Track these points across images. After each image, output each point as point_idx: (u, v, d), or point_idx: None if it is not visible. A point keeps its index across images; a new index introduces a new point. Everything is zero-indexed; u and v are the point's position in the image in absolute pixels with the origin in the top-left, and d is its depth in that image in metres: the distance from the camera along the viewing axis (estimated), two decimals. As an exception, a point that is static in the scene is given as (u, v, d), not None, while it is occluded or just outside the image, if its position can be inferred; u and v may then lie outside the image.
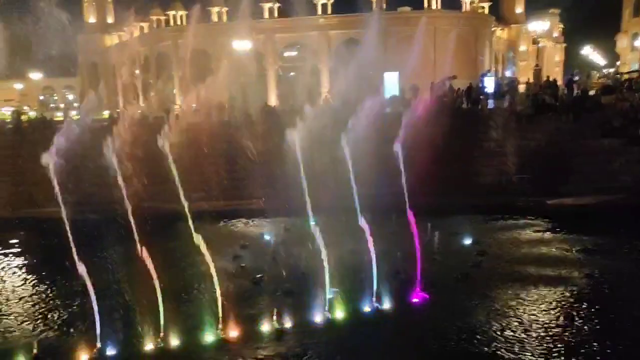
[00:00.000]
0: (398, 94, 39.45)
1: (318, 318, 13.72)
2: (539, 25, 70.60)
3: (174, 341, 12.53)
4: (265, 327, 13.23)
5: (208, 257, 12.91)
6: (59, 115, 52.05)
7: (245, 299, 14.52)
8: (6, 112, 48.98)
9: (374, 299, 14.47)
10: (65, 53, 68.88)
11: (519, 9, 74.09)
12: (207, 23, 57.61)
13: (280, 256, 18.23)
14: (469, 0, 58.43)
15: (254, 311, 14.01)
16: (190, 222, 12.56)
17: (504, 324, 13.15)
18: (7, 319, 14.69)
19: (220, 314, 13.04)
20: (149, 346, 12.37)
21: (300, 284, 15.17)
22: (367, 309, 14.32)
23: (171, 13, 62.87)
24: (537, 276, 16.53)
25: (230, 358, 12.15)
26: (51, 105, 69.43)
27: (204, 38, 54.81)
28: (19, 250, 20.37)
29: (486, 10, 63.03)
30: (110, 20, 73.51)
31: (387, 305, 14.43)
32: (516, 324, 13.18)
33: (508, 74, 68.41)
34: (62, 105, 67.91)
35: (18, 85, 67.92)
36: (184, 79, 55.70)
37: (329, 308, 13.97)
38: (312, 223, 15.33)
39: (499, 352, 11.76)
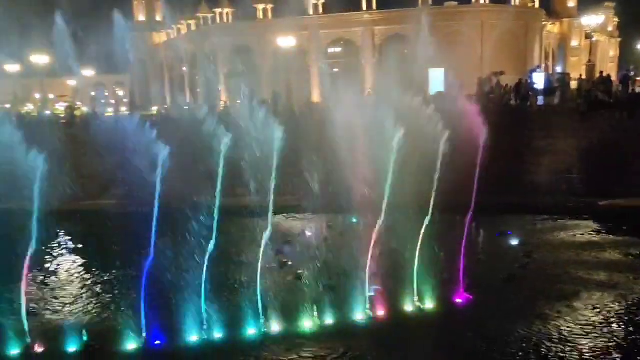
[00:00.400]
0: (443, 90, 38.79)
1: (359, 315, 13.64)
2: (593, 20, 67.62)
3: (217, 333, 12.73)
4: (307, 322, 13.25)
5: (253, 251, 13.04)
6: (109, 111, 53.68)
7: (288, 293, 14.52)
8: (60, 107, 50.92)
9: (415, 297, 14.26)
10: (115, 50, 71.07)
11: (572, 3, 71.53)
12: (252, 20, 58.17)
13: (322, 252, 18.20)
14: (518, -6, 56.80)
15: (296, 306, 13.95)
16: (236, 216, 12.69)
17: (549, 329, 12.69)
18: (59, 306, 15.23)
19: (263, 308, 13.19)
20: (192, 336, 12.60)
21: (342, 280, 15.09)
22: (408, 307, 14.12)
23: (217, 11, 63.82)
24: (586, 279, 15.91)
25: (271, 352, 12.18)
26: (102, 100, 71.57)
27: (249, 35, 55.42)
28: (74, 239, 21.19)
29: (537, 4, 61.13)
30: (158, 18, 75.34)
31: (429, 304, 14.20)
32: (562, 329, 12.67)
33: (558, 69, 66.09)
34: (112, 101, 69.91)
35: (71, 82, 70.34)
36: (229, 75, 56.46)
37: (370, 305, 13.88)
38: (353, 220, 15.24)
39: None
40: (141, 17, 75.32)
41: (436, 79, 43.47)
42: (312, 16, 57.25)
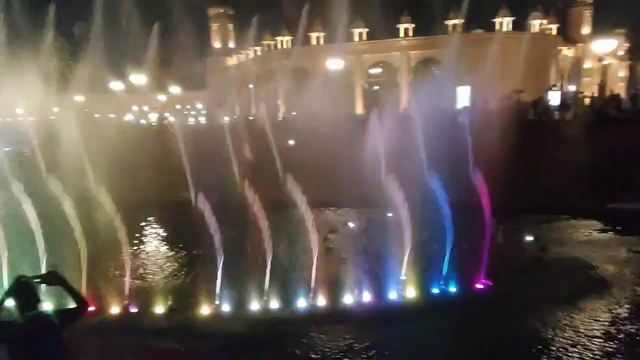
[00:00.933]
0: (469, 105, 37.89)
1: (392, 295, 13.52)
2: (605, 46, 63.93)
3: (274, 304, 12.90)
4: (348, 298, 13.25)
5: (304, 238, 13.17)
6: (191, 121, 55.30)
7: (333, 274, 14.58)
8: (152, 118, 52.87)
9: (442, 282, 14.01)
10: (196, 71, 73.23)
11: (586, 30, 68.16)
12: (307, 46, 58.60)
13: (362, 241, 18.13)
14: (538, 23, 54.61)
15: (339, 285, 14.01)
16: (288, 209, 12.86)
17: (560, 314, 12.23)
18: (149, 276, 15.74)
19: (312, 285, 13.28)
20: (254, 306, 12.83)
21: (379, 265, 14.99)
22: (435, 290, 13.89)
23: (279, 39, 64.68)
24: (595, 272, 15.20)
25: (318, 322, 12.26)
26: (185, 112, 73.74)
27: (304, 58, 55.86)
28: (161, 225, 21.88)
29: (554, 31, 58.63)
30: (231, 45, 76.98)
31: (453, 288, 13.91)
32: (573, 315, 12.21)
33: (572, 88, 63.13)
34: (192, 113, 71.89)
35: (161, 97, 73.00)
36: (287, 92, 57.08)
37: (403, 287, 13.73)
38: (389, 214, 15.12)
39: (551, 338, 11.02)
40: (217, 45, 77.17)
41: (463, 95, 42.47)
42: (357, 42, 57.14)
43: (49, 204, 12.71)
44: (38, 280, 4.99)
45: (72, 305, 5.10)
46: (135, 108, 61.22)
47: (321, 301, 13.11)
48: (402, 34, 55.36)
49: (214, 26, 77.34)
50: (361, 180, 14.60)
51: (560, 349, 10.69)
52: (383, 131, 14.70)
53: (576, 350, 10.59)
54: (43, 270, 11.20)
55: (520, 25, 54.42)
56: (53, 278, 5.05)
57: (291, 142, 13.86)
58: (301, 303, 13.01)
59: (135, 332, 11.73)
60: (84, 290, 11.35)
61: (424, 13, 53.06)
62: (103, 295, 12.63)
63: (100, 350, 9.80)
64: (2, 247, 13.45)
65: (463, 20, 53.27)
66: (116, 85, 59.61)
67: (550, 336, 11.19)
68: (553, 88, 41.90)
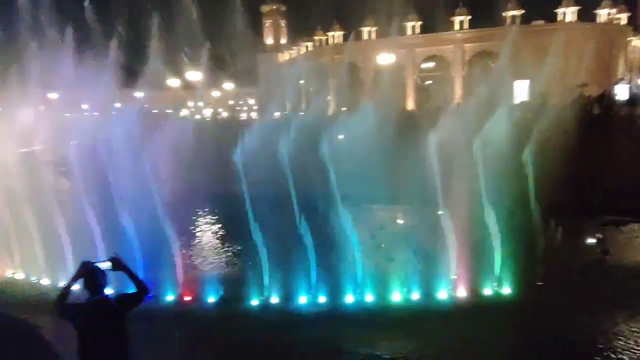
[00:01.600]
0: (527, 100, 36.24)
1: (442, 295, 13.22)
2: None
3: (323, 297, 12.96)
4: (397, 295, 13.10)
5: (354, 234, 13.17)
6: (242, 116, 56.61)
7: (382, 271, 14.44)
8: (206, 113, 54.66)
9: (495, 282, 13.53)
10: (248, 67, 74.76)
11: (660, 18, 63.04)
12: (358, 41, 58.18)
13: (412, 238, 17.83)
14: (606, 12, 51.18)
15: (388, 282, 13.86)
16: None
17: (618, 318, 11.53)
18: (201, 268, 16.25)
19: (361, 281, 13.25)
20: (302, 298, 12.96)
21: (429, 263, 14.70)
22: (487, 291, 13.43)
23: (330, 34, 64.64)
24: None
25: (365, 318, 12.20)
26: (237, 108, 75.51)
27: (355, 53, 55.56)
28: (213, 217, 22.67)
29: (623, 21, 54.74)
30: (283, 41, 77.87)
31: (506, 289, 13.39)
32: (631, 320, 11.43)
33: (643, 81, 58.80)
34: (245, 108, 73.55)
35: (215, 93, 75.06)
36: (338, 87, 57.05)
37: (453, 287, 13.40)
38: (440, 212, 14.77)
39: (606, 343, 10.43)
40: (269, 41, 78.32)
41: (521, 90, 40.62)
42: (409, 36, 56.03)
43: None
44: (102, 265, 5.28)
45: (132, 290, 5.38)
46: (190, 104, 63.37)
47: (369, 298, 13.04)
48: (457, 26, 53.72)
49: (267, 23, 78.56)
50: (412, 177, 14.33)
51: (615, 355, 10.06)
52: (434, 127, 14.32)
53: (632, 355, 9.95)
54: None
55: (586, 15, 51.24)
56: (116, 264, 5.33)
57: (340, 136, 13.83)
58: (349, 299, 13.01)
59: (187, 321, 12.17)
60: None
61: (481, 5, 51.28)
62: (159, 282, 13.20)
63: (152, 336, 10.21)
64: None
65: (522, 12, 50.90)
66: (173, 82, 61.99)
67: (605, 341, 10.54)
68: (621, 81, 39.27)
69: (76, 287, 5.28)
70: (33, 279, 14.57)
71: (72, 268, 13.03)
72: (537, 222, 13.87)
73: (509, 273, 13.56)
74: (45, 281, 14.34)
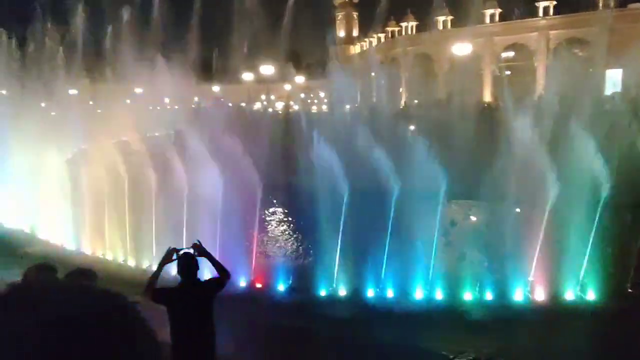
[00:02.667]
0: (620, 91, 33.31)
1: (518, 296, 12.65)
2: None
3: (390, 292, 12.89)
4: (468, 294, 12.74)
5: (424, 230, 12.99)
6: (314, 109, 57.44)
7: (452, 268, 14.11)
8: (278, 107, 56.07)
9: (578, 287, 12.71)
10: (321, 61, 75.50)
11: None
12: (432, 31, 56.57)
13: (485, 236, 17.17)
14: None
15: (457, 279, 13.50)
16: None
17: None
18: (272, 257, 16.75)
19: (431, 277, 13.06)
20: (370, 292, 12.98)
21: (504, 263, 14.10)
22: (569, 296, 12.65)
23: (404, 25, 63.48)
24: None
25: (436, 314, 12.03)
26: (308, 101, 76.55)
27: (429, 44, 54.17)
28: (282, 207, 23.27)
29: None
30: (355, 33, 77.69)
31: (590, 295, 12.53)
32: None
33: None
34: (315, 101, 74.42)
35: (287, 86, 76.69)
36: (410, 79, 56.03)
37: (530, 289, 12.77)
38: (517, 210, 14.14)
39: None
40: (341, 33, 78.50)
41: (613, 80, 37.41)
42: (488, 25, 53.51)
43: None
44: (188, 252, 5.67)
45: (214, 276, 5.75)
46: (263, 97, 65.29)
47: (439, 295, 12.81)
48: (541, 12, 50.46)
49: (339, 15, 78.73)
50: (488, 172, 13.79)
51: None
52: (515, 121, 13.66)
53: None
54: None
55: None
56: (198, 250, 5.71)
57: (412, 127, 13.64)
58: (418, 294, 12.87)
59: (258, 307, 12.70)
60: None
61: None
62: (233, 269, 13.83)
63: (229, 320, 10.76)
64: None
65: (618, -6, 46.72)
66: (247, 75, 64.20)
67: None
68: None
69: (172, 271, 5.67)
70: (121, 259, 15.87)
71: (155, 253, 14.08)
72: (631, 225, 12.79)
73: (594, 278, 12.68)
74: (131, 262, 15.58)
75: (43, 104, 24.89)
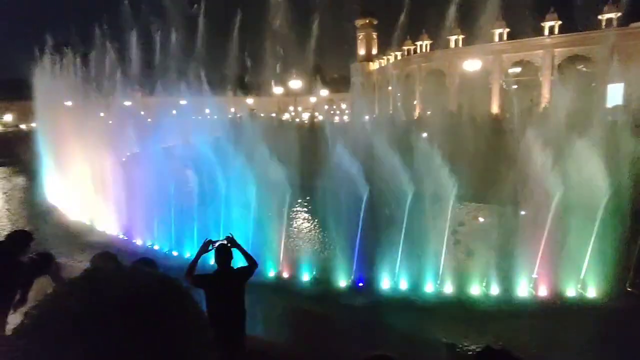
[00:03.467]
0: (622, 104, 32.11)
1: (522, 292, 12.37)
2: None
3: (404, 284, 12.81)
4: (475, 289, 12.52)
5: (436, 229, 12.86)
6: (336, 119, 57.43)
7: (461, 265, 13.88)
8: (304, 117, 56.37)
9: (579, 285, 12.33)
10: (343, 76, 75.57)
11: None
12: (445, 49, 55.88)
13: (492, 235, 16.83)
14: None
15: (465, 276, 13.25)
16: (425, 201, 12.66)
17: None
18: (298, 250, 16.63)
19: (440, 272, 12.91)
20: (385, 284, 12.92)
21: (509, 261, 13.79)
22: (571, 293, 12.29)
23: (419, 43, 62.93)
24: None
25: (445, 307, 11.85)
26: (331, 112, 76.69)
27: (442, 60, 53.54)
28: (308, 206, 23.23)
29: None
30: (374, 51, 77.41)
31: (591, 293, 12.14)
32: None
33: None
34: (337, 112, 74.44)
35: (312, 99, 76.98)
36: (424, 93, 55.51)
37: (534, 285, 12.47)
38: (522, 212, 13.81)
39: None
40: (362, 51, 78.31)
41: (614, 94, 36.14)
42: (497, 43, 52.50)
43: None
44: (223, 243, 5.79)
45: (244, 264, 5.84)
46: (291, 108, 65.69)
47: (448, 289, 12.64)
48: (547, 32, 49.22)
49: (360, 35, 78.56)
50: (496, 177, 13.55)
51: None
52: (520, 130, 13.37)
53: None
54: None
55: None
56: (230, 242, 5.81)
57: (424, 134, 13.51)
58: (428, 287, 12.73)
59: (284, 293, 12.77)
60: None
61: (571, 10, 46.44)
62: (262, 260, 13.96)
63: (258, 306, 10.87)
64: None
65: (619, 14, 45.08)
66: (277, 89, 64.76)
67: None
68: None
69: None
70: (165, 250, 16.22)
71: (196, 244, 14.34)
72: (631, 227, 12.33)
73: (595, 276, 12.29)
74: (175, 253, 15.91)
75: (102, 114, 25.71)
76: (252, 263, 5.77)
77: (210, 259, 5.93)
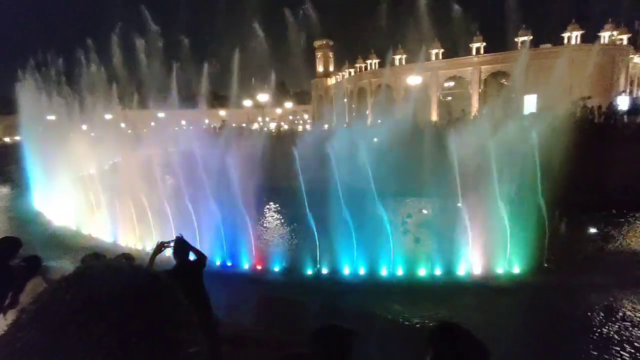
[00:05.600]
0: (535, 112, 34.14)
1: (461, 272, 12.87)
2: (680, 51, 52.88)
3: (362, 270, 12.98)
4: (422, 271, 12.90)
5: (387, 221, 13.12)
6: (299, 128, 57.39)
7: (410, 251, 14.21)
8: (271, 126, 55.99)
9: (506, 263, 12.99)
10: (304, 90, 75.54)
11: (659, 38, 57.05)
12: (391, 66, 57.21)
13: (435, 224, 17.35)
14: (608, 34, 47.19)
15: (414, 260, 13.61)
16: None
17: (612, 300, 10.65)
18: (270, 244, 16.59)
19: (393, 258, 13.15)
20: (345, 270, 13.05)
21: (450, 246, 14.25)
22: (499, 270, 12.92)
23: (369, 61, 64.10)
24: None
25: (397, 289, 12.05)
26: (295, 121, 76.46)
27: (389, 76, 54.76)
28: (277, 205, 23.08)
29: (625, 41, 50.19)
30: (331, 68, 77.94)
31: (516, 270, 12.81)
32: (623, 301, 10.56)
33: (643, 93, 53.46)
34: (301, 122, 74.40)
35: (278, 110, 76.47)
36: (375, 104, 56.55)
37: (470, 265, 13.00)
38: (459, 204, 14.32)
39: (601, 321, 9.67)
40: (320, 68, 78.64)
41: (530, 103, 38.37)
42: (434, 61, 54.37)
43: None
44: (181, 238, 5.67)
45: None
46: (259, 119, 65.03)
47: (400, 272, 12.93)
48: (474, 52, 51.55)
49: (318, 54, 78.88)
50: (435, 174, 14.00)
51: (612, 326, 9.40)
52: (454, 135, 13.93)
53: (621, 332, 9.25)
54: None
55: (591, 37, 47.46)
56: (182, 241, 5.68)
57: (375, 139, 13.76)
58: (383, 271, 12.97)
59: (258, 284, 12.62)
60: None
61: (494, 32, 48.90)
62: (238, 255, 13.75)
63: (235, 296, 10.67)
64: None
65: (531, 37, 47.99)
66: (247, 102, 63.89)
67: (601, 319, 9.83)
68: (622, 93, 36.05)
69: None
70: (148, 249, 15.57)
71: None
72: (545, 214, 13.11)
73: (518, 256, 12.98)
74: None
75: (84, 127, 24.38)
76: (202, 256, 5.75)
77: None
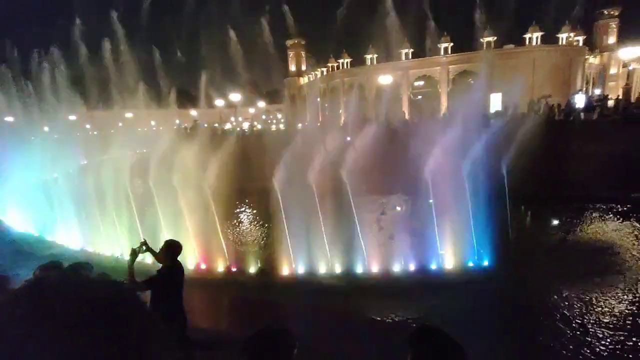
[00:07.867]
0: (501, 110, 35.42)
1: (433, 266, 13.19)
2: (630, 53, 56.44)
3: (337, 268, 13.04)
4: (396, 267, 13.09)
5: (362, 219, 13.21)
6: (273, 128, 56.96)
7: (384, 247, 14.38)
8: (245, 126, 55.25)
9: (475, 257, 13.38)
10: (277, 89, 75.04)
11: (611, 40, 60.69)
12: (363, 66, 57.79)
13: (407, 221, 17.64)
14: (565, 36, 49.66)
15: (388, 256, 13.79)
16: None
17: (576, 290, 11.23)
18: (244, 246, 16.50)
19: (367, 255, 13.27)
20: (321, 269, 13.03)
21: (422, 241, 14.53)
22: (470, 264, 13.30)
23: (341, 61, 64.44)
24: (614, 254, 13.72)
25: (371, 285, 12.21)
26: (268, 121, 75.84)
27: (361, 76, 55.30)
28: (249, 206, 22.75)
29: (581, 42, 52.97)
30: (303, 67, 77.80)
31: (485, 262, 13.23)
32: (587, 291, 11.16)
33: (597, 92, 56.72)
34: (274, 121, 73.86)
35: (251, 109, 75.62)
36: (347, 103, 56.90)
37: (442, 260, 13.33)
38: (430, 201, 14.62)
39: (566, 309, 10.17)
40: (293, 68, 78.33)
41: (495, 101, 39.81)
42: (404, 61, 55.37)
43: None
44: (175, 240, 5.60)
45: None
46: (232, 119, 64.00)
47: (374, 268, 13.06)
48: (442, 52, 52.91)
49: (291, 53, 78.42)
50: (407, 172, 14.24)
51: (573, 318, 9.90)
52: (425, 133, 14.20)
53: (587, 319, 9.77)
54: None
55: (550, 38, 49.78)
56: (145, 245, 5.67)
57: (348, 138, 13.84)
58: (358, 268, 13.06)
59: (234, 286, 12.42)
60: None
61: (461, 33, 50.41)
62: (212, 258, 13.46)
63: (210, 300, 10.45)
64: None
65: (495, 38, 49.81)
66: (219, 101, 62.69)
67: (565, 307, 10.35)
68: (579, 92, 38.01)
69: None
70: (117, 254, 15.01)
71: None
72: (511, 209, 13.60)
73: (487, 249, 13.41)
74: (125, 256, 14.71)
75: (46, 129, 23.10)
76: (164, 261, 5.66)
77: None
